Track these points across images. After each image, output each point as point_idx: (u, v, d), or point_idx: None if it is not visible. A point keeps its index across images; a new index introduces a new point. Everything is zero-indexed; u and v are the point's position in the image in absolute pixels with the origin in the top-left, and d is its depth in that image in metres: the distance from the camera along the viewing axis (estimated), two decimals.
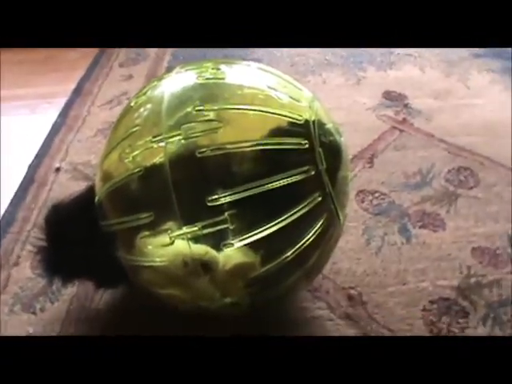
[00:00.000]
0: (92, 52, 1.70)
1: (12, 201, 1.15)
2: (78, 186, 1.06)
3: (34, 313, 0.93)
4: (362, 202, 1.10)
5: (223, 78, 0.80)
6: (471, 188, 1.13)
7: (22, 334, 0.90)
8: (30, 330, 0.90)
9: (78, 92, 1.51)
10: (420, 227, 1.05)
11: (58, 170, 1.23)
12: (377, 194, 1.12)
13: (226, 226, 0.72)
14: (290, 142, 0.74)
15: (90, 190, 0.84)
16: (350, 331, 0.88)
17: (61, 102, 1.47)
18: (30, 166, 1.25)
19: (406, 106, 1.38)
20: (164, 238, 0.74)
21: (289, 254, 0.75)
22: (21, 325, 0.91)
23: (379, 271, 0.97)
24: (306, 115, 0.77)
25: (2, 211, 1.13)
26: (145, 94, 0.82)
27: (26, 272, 1.00)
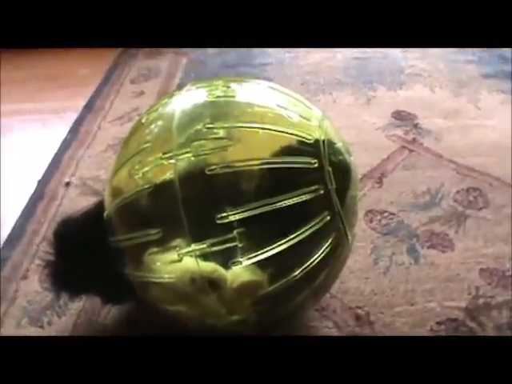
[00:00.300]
0: (103, 68, 1.71)
1: (22, 214, 1.16)
2: (87, 201, 1.06)
3: (41, 326, 0.93)
4: (371, 221, 1.10)
5: (233, 96, 0.81)
6: (480, 209, 1.13)
7: None
8: None
9: (89, 108, 1.53)
10: (428, 247, 1.04)
11: (67, 184, 1.24)
12: (385, 214, 1.12)
13: (234, 243, 0.72)
14: (300, 161, 0.74)
15: (99, 206, 0.85)
16: None
17: (71, 117, 1.48)
18: (40, 181, 1.26)
19: (415, 125, 1.38)
20: (172, 255, 0.74)
21: (297, 272, 0.75)
22: None
23: (387, 291, 0.97)
24: (316, 134, 0.77)
25: (12, 224, 1.13)
26: (156, 110, 0.83)
27: (34, 286, 1.00)
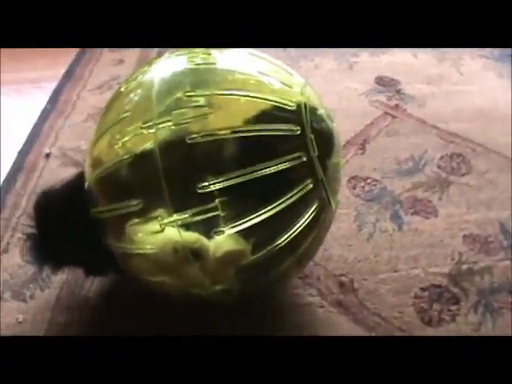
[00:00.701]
0: None
1: (1, 187, 1.14)
2: (67, 172, 1.04)
3: (23, 300, 0.93)
4: (354, 188, 1.10)
5: (214, 64, 0.80)
6: (463, 175, 1.13)
7: (12, 321, 0.89)
8: (20, 318, 0.90)
9: (68, 77, 1.50)
10: (412, 214, 1.05)
11: (47, 155, 1.22)
12: (369, 181, 1.12)
13: (216, 213, 0.71)
14: (282, 129, 0.74)
15: (80, 177, 0.83)
16: (341, 318, 0.88)
17: (50, 87, 1.45)
18: (19, 152, 1.24)
19: (398, 91, 1.37)
20: (154, 226, 0.73)
21: (280, 241, 0.74)
22: (11, 312, 0.90)
23: (371, 258, 0.97)
24: (298, 101, 0.76)
25: None
26: (135, 79, 0.81)
27: (15, 259, 0.99)
